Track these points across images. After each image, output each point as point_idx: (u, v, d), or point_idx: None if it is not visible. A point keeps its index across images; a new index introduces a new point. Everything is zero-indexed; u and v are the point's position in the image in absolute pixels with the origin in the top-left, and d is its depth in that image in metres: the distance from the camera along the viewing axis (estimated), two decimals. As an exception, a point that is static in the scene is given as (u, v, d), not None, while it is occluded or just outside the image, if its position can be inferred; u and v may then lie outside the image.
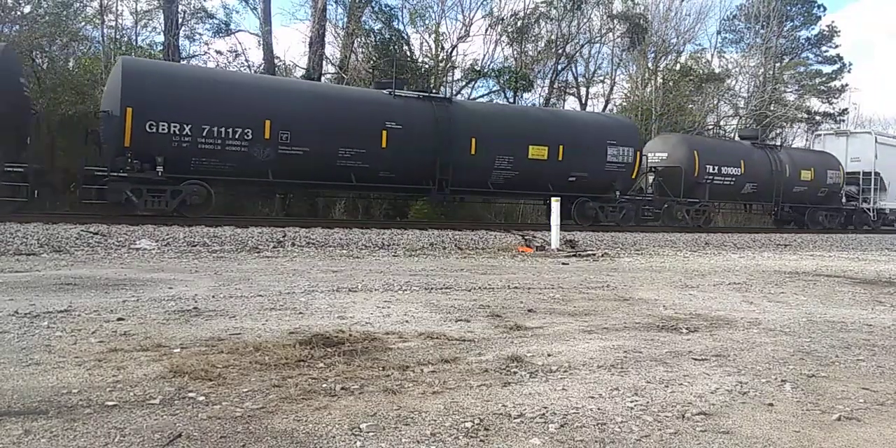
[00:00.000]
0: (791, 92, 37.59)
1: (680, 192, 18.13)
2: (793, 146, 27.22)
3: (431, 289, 6.16)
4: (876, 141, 23.57)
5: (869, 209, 23.27)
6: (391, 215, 18.62)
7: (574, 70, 27.65)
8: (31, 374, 2.93)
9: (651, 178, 18.88)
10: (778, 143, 23.13)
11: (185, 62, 19.88)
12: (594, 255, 11.23)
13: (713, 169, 18.73)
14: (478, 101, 22.63)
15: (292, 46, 53.66)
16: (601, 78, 29.02)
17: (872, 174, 23.05)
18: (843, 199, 23.13)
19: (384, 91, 14.20)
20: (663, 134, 22.49)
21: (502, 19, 25.16)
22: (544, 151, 15.07)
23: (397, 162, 13.65)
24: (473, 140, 14.32)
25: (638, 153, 16.49)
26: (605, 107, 28.67)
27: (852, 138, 24.16)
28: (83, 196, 11.55)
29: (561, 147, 15.23)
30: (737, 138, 23.50)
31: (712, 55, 33.48)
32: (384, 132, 13.45)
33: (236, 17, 47.18)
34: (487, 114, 15.48)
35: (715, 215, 20.95)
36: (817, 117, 36.38)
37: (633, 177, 16.70)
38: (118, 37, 20.52)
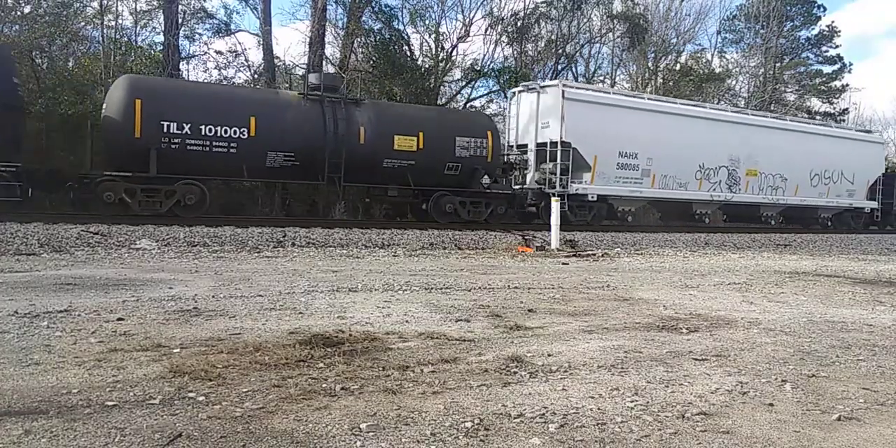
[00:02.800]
0: (791, 92, 37.72)
1: (89, 162, 12.11)
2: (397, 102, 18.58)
3: (431, 289, 6.16)
4: (563, 96, 16.03)
5: (558, 195, 15.33)
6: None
7: (574, 70, 27.70)
8: (31, 374, 2.93)
9: None
10: (362, 97, 15.05)
11: (183, 62, 19.86)
12: (594, 254, 11.22)
13: (178, 128, 12.00)
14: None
15: (292, 46, 53.52)
16: (601, 78, 29.05)
17: (559, 145, 15.93)
18: (531, 183, 16.52)
19: None
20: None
21: (502, 19, 25.16)
22: None
23: None
24: None
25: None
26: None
27: (543, 95, 16.75)
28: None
29: None
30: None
31: (712, 55, 33.57)
32: None
33: (236, 17, 47.12)
34: None
35: (171, 199, 12.19)
36: (818, 117, 36.37)
37: None
38: (118, 37, 20.53)
